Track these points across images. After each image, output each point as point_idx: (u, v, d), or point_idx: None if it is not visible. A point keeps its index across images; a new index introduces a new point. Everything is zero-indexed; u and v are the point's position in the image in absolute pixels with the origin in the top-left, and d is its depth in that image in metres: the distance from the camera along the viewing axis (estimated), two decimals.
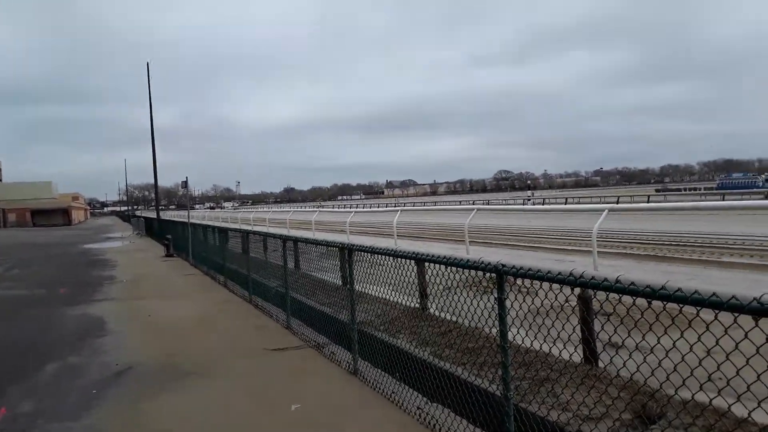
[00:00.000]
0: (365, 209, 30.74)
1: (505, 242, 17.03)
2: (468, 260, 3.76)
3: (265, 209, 63.53)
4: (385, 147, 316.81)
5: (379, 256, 5.13)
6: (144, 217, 45.47)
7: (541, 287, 3.29)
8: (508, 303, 3.41)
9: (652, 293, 2.35)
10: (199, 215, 48.65)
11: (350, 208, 56.45)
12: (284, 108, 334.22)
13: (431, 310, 7.13)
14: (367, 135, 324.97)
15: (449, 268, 4.04)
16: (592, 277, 2.84)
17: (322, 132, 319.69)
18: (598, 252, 8.90)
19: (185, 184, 18.94)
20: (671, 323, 2.65)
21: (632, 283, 2.54)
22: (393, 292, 5.29)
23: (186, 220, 19.81)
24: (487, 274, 3.64)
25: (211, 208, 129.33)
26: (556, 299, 3.35)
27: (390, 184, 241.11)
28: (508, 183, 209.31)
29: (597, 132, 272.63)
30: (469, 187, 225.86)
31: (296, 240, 8.13)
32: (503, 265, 3.33)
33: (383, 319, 6.12)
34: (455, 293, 4.30)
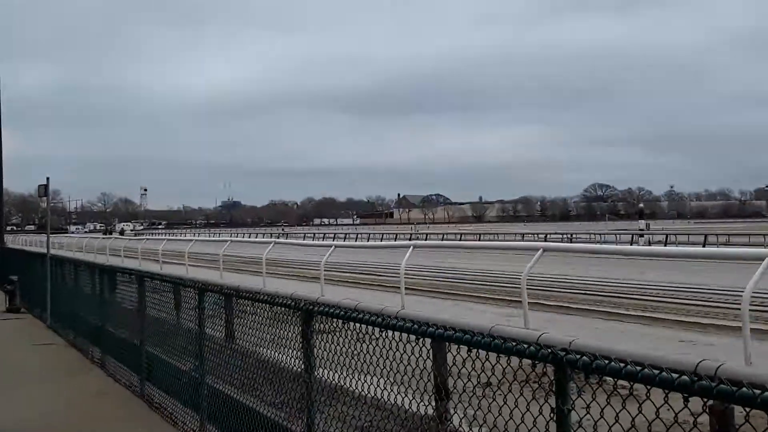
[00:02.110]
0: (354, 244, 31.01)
1: (598, 307, 16.97)
2: (508, 343, 3.69)
3: (186, 236, 63.75)
4: (398, 140, 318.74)
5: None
6: None
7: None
8: (576, 417, 3.29)
9: None
10: (75, 243, 48.83)
11: (330, 239, 56.38)
12: (232, 71, 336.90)
13: (456, 422, 6.98)
14: (367, 119, 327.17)
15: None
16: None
17: (292, 113, 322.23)
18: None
19: (45, 189, 18.97)
20: None
21: None
22: (389, 388, 5.18)
23: (45, 251, 19.76)
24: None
25: (105, 231, 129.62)
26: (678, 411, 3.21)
27: (403, 201, 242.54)
28: (606, 205, 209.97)
29: (761, 127, 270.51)
30: (540, 210, 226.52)
31: (233, 293, 8.10)
32: (566, 352, 3.20)
33: None
34: (497, 392, 4.20)
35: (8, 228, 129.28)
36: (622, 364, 2.95)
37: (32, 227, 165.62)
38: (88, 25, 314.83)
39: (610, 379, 3.07)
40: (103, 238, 53.40)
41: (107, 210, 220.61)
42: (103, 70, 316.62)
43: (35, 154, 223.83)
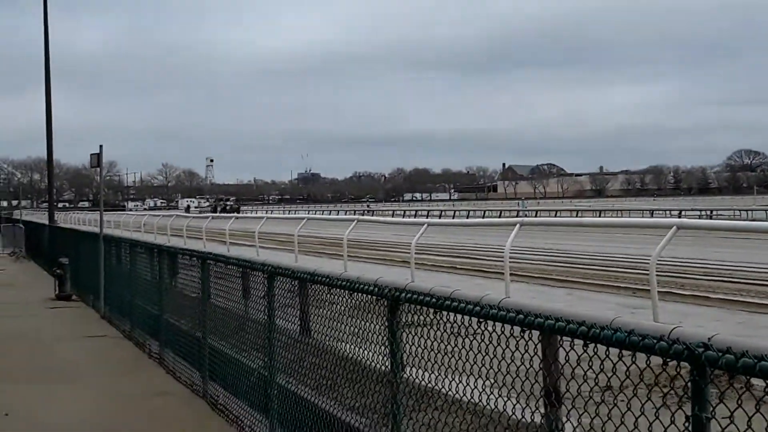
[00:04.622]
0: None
1: (743, 297, 16.56)
2: (633, 337, 3.67)
3: (261, 213, 64.64)
4: (502, 101, 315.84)
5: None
6: (25, 223, 47.03)
7: None
8: (717, 428, 3.19)
9: None
10: (134, 222, 50.03)
11: (423, 217, 56.50)
12: (312, 25, 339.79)
13: None
14: (468, 77, 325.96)
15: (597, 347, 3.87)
16: None
17: (380, 73, 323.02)
18: None
19: (98, 159, 19.38)
20: None
21: None
22: (490, 391, 5.13)
23: (98, 231, 20.24)
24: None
25: (214, 208, 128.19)
26: None
27: (509, 173, 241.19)
28: (755, 176, 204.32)
29: None
30: (673, 182, 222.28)
31: (307, 278, 8.10)
32: (705, 348, 3.10)
33: None
34: (619, 397, 4.10)
35: (59, 204, 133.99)
36: None
37: (86, 204, 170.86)
38: None
39: (761, 382, 2.99)
40: (214, 218, 48.04)
41: (169, 184, 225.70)
42: (167, 26, 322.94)
43: (91, 121, 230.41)
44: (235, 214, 65.91)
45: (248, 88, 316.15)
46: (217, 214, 67.74)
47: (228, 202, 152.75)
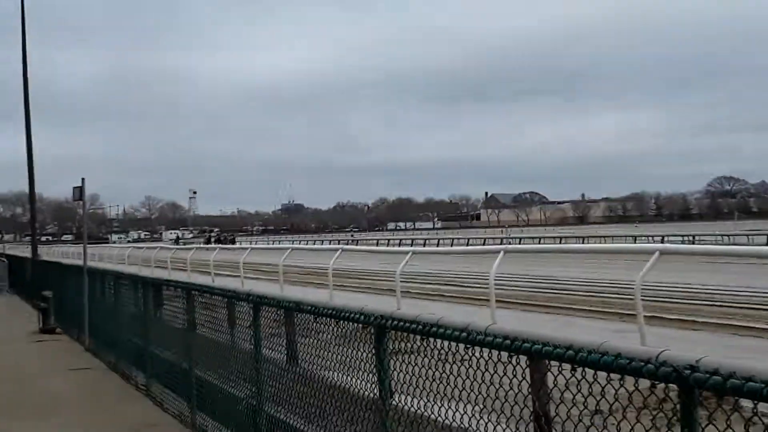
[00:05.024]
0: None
1: (730, 321, 16.58)
2: (621, 360, 3.67)
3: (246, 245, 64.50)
4: (486, 129, 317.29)
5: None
6: (8, 257, 46.77)
7: None
8: None
9: None
10: (117, 254, 49.86)
11: (407, 246, 56.48)
12: (295, 54, 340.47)
13: None
14: (450, 107, 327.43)
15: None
16: None
17: (363, 102, 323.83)
18: None
19: (80, 192, 19.28)
20: None
21: None
22: (479, 416, 5.12)
23: (81, 263, 20.13)
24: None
25: (208, 239, 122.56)
26: None
27: (492, 201, 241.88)
28: (735, 202, 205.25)
29: None
30: (654, 208, 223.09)
31: (293, 307, 8.09)
32: (693, 370, 3.11)
33: None
34: (609, 421, 4.11)
35: (43, 238, 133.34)
36: (762, 385, 2.85)
37: (69, 237, 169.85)
38: (138, 6, 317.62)
39: (749, 404, 2.99)
40: (198, 249, 47.60)
41: (152, 216, 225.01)
42: (145, 56, 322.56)
43: (73, 154, 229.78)
44: (227, 245, 66.26)
45: (230, 119, 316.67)
46: (203, 245, 67.52)
47: (214, 233, 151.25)
